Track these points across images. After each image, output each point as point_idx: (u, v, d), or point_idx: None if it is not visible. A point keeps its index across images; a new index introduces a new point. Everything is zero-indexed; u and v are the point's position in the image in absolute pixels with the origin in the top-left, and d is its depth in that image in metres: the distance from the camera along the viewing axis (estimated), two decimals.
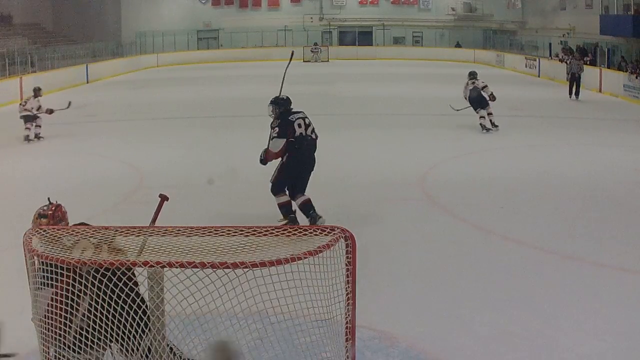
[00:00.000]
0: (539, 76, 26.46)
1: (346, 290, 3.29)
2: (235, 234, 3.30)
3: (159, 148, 12.12)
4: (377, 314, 4.84)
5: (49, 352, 3.41)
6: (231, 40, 37.98)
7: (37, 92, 13.54)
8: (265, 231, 3.26)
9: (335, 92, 21.08)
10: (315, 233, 3.22)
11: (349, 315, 3.31)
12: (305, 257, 3.05)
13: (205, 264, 2.95)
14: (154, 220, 4.00)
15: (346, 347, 3.36)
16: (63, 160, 11.35)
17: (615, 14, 23.89)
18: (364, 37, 39.01)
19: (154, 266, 3.02)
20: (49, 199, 4.12)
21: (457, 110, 14.57)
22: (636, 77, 18.57)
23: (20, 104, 13.48)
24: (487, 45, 36.42)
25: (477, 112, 13.65)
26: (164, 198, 4.14)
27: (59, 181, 9.66)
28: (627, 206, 8.21)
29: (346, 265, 3.26)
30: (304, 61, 35.57)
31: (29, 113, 13.05)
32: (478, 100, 13.56)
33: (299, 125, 6.91)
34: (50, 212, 3.95)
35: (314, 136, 7.05)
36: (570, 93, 19.26)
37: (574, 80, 19.30)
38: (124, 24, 36.96)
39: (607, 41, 23.64)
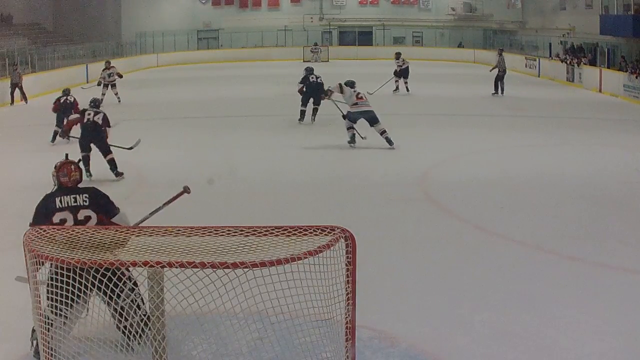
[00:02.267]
0: (539, 76, 26.46)
1: (346, 290, 3.29)
2: (235, 234, 3.30)
3: (159, 148, 12.11)
4: (377, 314, 4.84)
5: (49, 352, 3.41)
6: (231, 40, 37.95)
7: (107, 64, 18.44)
8: (265, 231, 3.26)
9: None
10: (315, 233, 3.22)
11: (349, 315, 3.31)
12: (305, 257, 3.05)
13: (205, 264, 2.95)
14: (166, 204, 4.85)
15: (346, 347, 3.36)
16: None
17: (615, 14, 23.85)
18: (364, 37, 38.97)
19: (154, 266, 3.03)
20: (66, 154, 4.72)
21: (371, 93, 16.83)
22: (636, 77, 18.57)
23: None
24: (487, 45, 36.39)
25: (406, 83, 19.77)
26: (185, 190, 4.93)
27: None
28: (627, 206, 8.21)
29: (346, 265, 3.26)
30: (304, 61, 35.56)
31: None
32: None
33: (312, 78, 14.52)
34: (58, 164, 4.53)
35: (320, 80, 14.47)
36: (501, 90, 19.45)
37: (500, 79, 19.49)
38: (124, 24, 36.92)
39: (607, 41, 23.64)
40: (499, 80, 19.39)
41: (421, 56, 35.45)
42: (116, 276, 3.32)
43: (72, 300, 3.45)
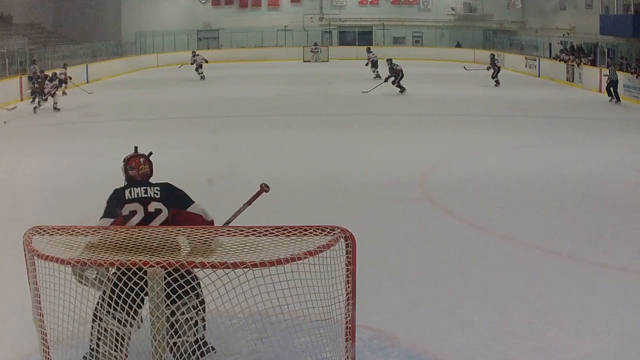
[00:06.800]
0: (538, 76, 26.46)
1: (346, 290, 3.29)
2: (235, 234, 3.30)
3: (158, 148, 12.04)
4: (377, 314, 4.84)
5: (49, 353, 3.42)
6: (231, 40, 37.94)
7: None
8: (265, 231, 3.26)
9: (335, 92, 21.07)
10: (315, 233, 3.22)
11: (349, 315, 3.31)
12: (305, 257, 3.06)
13: (205, 264, 2.96)
14: (247, 204, 4.62)
15: (346, 347, 3.36)
16: (63, 160, 11.35)
17: (615, 14, 23.87)
18: (364, 37, 38.93)
19: (154, 266, 3.03)
20: (135, 147, 4.43)
21: (468, 70, 22.04)
22: (636, 77, 18.56)
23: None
24: (487, 45, 36.37)
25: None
26: (263, 189, 4.80)
27: (59, 181, 9.66)
28: (627, 206, 8.20)
29: (346, 265, 3.26)
30: (304, 61, 35.58)
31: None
32: None
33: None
34: (127, 157, 4.30)
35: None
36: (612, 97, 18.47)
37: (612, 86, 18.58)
38: (124, 24, 36.91)
39: (607, 41, 23.63)
40: (612, 87, 18.45)
41: (421, 56, 35.48)
42: (183, 289, 3.27)
43: (138, 308, 3.39)
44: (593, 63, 22.98)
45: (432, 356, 4.38)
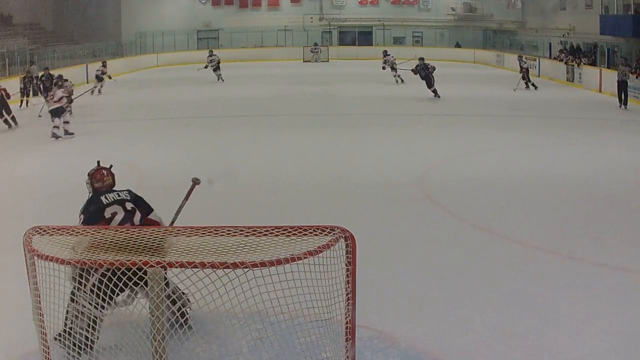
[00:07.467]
0: (539, 76, 26.42)
1: (346, 290, 3.29)
2: (235, 234, 3.30)
3: (159, 148, 12.11)
4: (377, 314, 4.84)
5: (49, 353, 3.42)
6: (231, 40, 37.93)
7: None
8: (265, 231, 3.27)
9: (335, 92, 21.07)
10: (315, 233, 3.22)
11: (349, 315, 3.31)
12: (305, 257, 3.06)
13: (205, 264, 2.96)
14: (185, 200, 4.88)
15: (346, 347, 3.36)
16: (63, 160, 11.35)
17: (615, 14, 23.86)
18: (364, 37, 38.95)
19: (154, 266, 3.03)
20: (98, 162, 4.82)
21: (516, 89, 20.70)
22: (636, 77, 18.55)
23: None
24: (487, 45, 36.39)
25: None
26: (195, 182, 5.00)
27: (59, 181, 9.66)
28: (627, 206, 8.20)
29: (346, 265, 3.26)
30: (304, 61, 35.59)
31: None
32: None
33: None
34: (91, 171, 4.71)
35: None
36: (621, 102, 17.40)
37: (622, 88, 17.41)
38: (124, 24, 36.92)
39: (607, 41, 23.63)
40: (622, 89, 17.29)
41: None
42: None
43: (111, 298, 3.63)
44: (593, 63, 22.98)
45: (432, 356, 4.39)
